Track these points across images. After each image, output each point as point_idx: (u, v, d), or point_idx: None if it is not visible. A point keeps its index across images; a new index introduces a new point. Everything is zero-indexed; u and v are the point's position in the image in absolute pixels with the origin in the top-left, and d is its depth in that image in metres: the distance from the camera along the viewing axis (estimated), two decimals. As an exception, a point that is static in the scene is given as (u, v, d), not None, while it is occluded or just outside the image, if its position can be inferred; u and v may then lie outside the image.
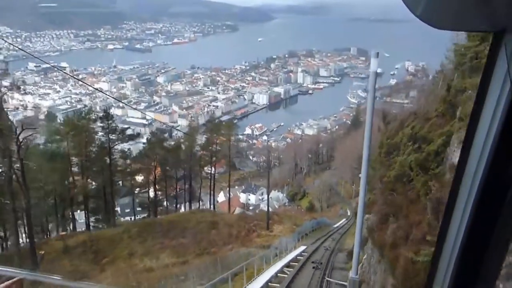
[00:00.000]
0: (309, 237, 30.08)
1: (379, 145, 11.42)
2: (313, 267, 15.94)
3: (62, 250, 25.06)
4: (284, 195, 72.03)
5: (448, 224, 1.22)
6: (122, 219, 40.87)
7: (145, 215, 40.54)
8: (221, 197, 63.11)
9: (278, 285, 13.75)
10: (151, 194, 39.77)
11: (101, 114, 32.88)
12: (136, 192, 41.36)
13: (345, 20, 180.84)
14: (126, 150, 36.20)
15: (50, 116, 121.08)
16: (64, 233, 28.30)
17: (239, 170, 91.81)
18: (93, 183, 33.75)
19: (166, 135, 47.27)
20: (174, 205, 42.81)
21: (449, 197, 1.22)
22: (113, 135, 32.36)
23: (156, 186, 38.63)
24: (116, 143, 32.06)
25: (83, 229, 32.01)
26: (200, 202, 46.95)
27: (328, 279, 13.48)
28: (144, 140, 42.90)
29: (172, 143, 43.59)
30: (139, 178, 40.25)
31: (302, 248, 23.06)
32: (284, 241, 23.50)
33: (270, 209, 47.04)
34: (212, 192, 44.66)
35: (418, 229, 6.20)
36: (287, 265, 17.20)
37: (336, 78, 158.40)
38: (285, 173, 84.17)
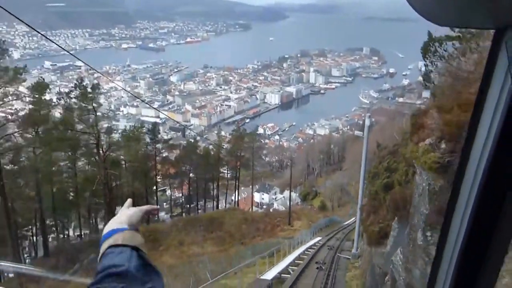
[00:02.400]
0: (322, 231, 37.74)
1: (368, 172, 18.72)
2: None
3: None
4: (297, 194, 78.71)
5: (448, 228, 1.30)
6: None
7: (179, 212, 48.60)
8: (226, 196, 68.91)
9: (301, 262, 21.22)
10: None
11: (150, 127, 40.84)
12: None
13: (358, 19, 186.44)
14: (167, 156, 44.13)
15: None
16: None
17: (248, 170, 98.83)
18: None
19: (199, 143, 55.00)
20: (203, 203, 50.74)
21: (449, 199, 1.31)
22: (159, 144, 40.21)
23: (190, 187, 46.53)
24: (161, 152, 39.86)
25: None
26: (224, 201, 54.78)
27: (339, 254, 21.13)
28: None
29: (202, 147, 51.16)
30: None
31: (318, 238, 30.85)
32: (304, 233, 31.27)
33: (284, 208, 55.09)
34: (237, 192, 52.44)
35: (381, 218, 13.54)
36: (308, 248, 24.90)
37: (348, 78, 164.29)
38: (297, 173, 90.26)
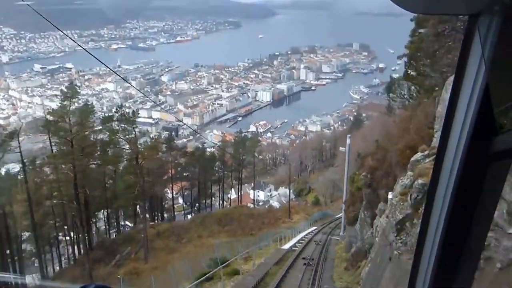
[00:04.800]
0: (317, 223, 46.97)
1: (350, 178, 27.78)
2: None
3: (156, 234, 41.74)
4: (292, 191, 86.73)
5: (427, 222, 1.38)
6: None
7: (188, 211, 57.58)
8: (232, 195, 71.80)
9: (304, 241, 30.33)
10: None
11: (167, 136, 49.76)
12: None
13: (349, 14, 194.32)
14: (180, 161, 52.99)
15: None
16: (152, 223, 44.86)
17: (247, 168, 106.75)
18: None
19: (208, 148, 63.86)
20: (209, 202, 59.75)
21: (430, 185, 1.40)
22: (174, 151, 49.02)
23: (199, 188, 55.48)
24: (176, 158, 48.67)
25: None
26: (222, 199, 63.50)
27: (331, 237, 30.42)
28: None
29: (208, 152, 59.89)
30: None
31: (313, 228, 40.22)
32: (302, 224, 40.57)
33: (280, 205, 64.22)
34: (240, 193, 61.48)
35: (355, 209, 22.63)
36: (307, 234, 34.14)
37: (338, 74, 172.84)
38: (291, 170, 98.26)
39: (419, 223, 8.22)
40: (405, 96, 29.80)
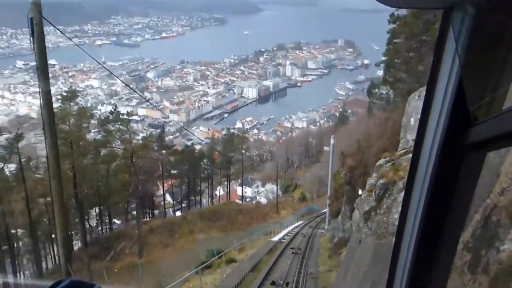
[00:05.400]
0: (304, 218, 49.79)
1: (334, 176, 30.49)
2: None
3: (148, 230, 43.99)
4: (278, 187, 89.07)
5: (404, 220, 1.39)
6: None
7: (178, 207, 59.89)
8: (219, 192, 72.17)
9: (292, 234, 32.97)
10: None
11: (156, 134, 51.87)
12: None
13: (334, 10, 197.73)
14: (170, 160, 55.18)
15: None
16: (144, 219, 47.05)
17: (234, 165, 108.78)
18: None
19: (198, 146, 66.11)
20: (199, 198, 62.14)
21: (407, 184, 1.39)
22: (164, 150, 51.23)
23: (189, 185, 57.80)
24: (166, 157, 50.88)
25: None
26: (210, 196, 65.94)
27: (317, 230, 33.19)
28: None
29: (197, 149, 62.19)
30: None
31: (300, 222, 43.01)
32: (290, 218, 43.34)
33: (267, 201, 66.88)
34: (229, 190, 63.96)
35: (338, 203, 25.33)
36: (295, 228, 36.86)
37: (324, 70, 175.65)
38: (278, 167, 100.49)
39: (381, 213, 10.88)
40: (384, 99, 32.57)
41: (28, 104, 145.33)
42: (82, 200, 40.26)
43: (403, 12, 25.31)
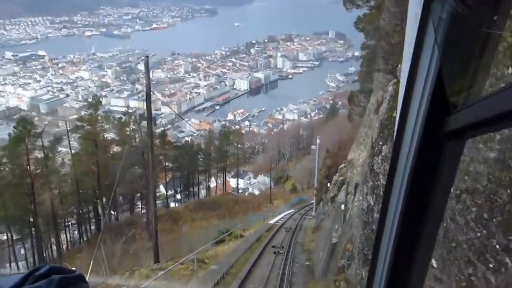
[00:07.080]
0: (294, 207, 57.54)
1: (319, 172, 37.82)
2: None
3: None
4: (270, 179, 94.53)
5: (385, 211, 1.42)
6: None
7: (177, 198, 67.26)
8: (213, 183, 78.81)
9: (284, 219, 40.47)
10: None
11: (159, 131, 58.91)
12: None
13: (325, 2, 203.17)
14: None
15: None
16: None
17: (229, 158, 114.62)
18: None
19: (195, 141, 73.17)
20: (197, 190, 69.51)
21: (388, 176, 1.42)
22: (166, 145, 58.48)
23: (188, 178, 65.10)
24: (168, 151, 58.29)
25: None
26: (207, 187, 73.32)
27: (305, 216, 40.80)
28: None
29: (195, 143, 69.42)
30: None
31: (292, 210, 50.82)
32: (282, 207, 51.09)
33: (260, 192, 74.33)
34: (225, 181, 71.38)
35: (322, 193, 32.90)
36: (286, 215, 44.55)
37: (315, 62, 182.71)
38: (269, 158, 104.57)
39: (341, 198, 18.43)
40: (362, 105, 39.50)
41: (18, 96, 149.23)
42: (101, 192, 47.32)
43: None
